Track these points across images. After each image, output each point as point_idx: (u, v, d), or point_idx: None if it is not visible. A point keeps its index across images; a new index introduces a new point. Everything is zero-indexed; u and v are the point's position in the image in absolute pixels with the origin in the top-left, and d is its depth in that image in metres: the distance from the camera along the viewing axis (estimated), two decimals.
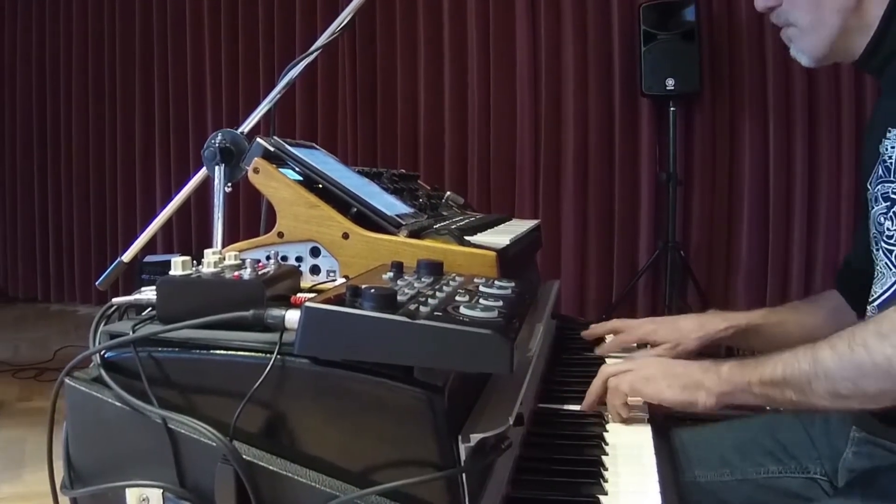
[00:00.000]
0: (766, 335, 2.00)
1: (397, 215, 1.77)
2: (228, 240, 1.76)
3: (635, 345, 2.14)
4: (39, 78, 8.26)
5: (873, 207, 1.70)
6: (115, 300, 1.44)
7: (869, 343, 1.34)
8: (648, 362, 1.69)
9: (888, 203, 1.61)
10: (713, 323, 2.02)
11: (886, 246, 1.58)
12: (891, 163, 1.59)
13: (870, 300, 1.64)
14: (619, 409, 1.65)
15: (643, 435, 1.59)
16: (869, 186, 1.73)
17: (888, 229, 1.56)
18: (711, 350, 2.03)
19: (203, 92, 7.56)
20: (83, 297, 8.18)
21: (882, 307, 1.58)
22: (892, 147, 1.59)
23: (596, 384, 1.71)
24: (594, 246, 6.30)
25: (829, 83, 5.72)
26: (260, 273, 1.33)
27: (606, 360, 2.10)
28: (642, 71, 5.73)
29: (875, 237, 1.69)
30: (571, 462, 1.46)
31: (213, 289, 1.29)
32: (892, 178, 1.59)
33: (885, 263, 1.58)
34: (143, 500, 1.23)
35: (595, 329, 2.21)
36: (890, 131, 1.60)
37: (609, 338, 2.20)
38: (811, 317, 2.02)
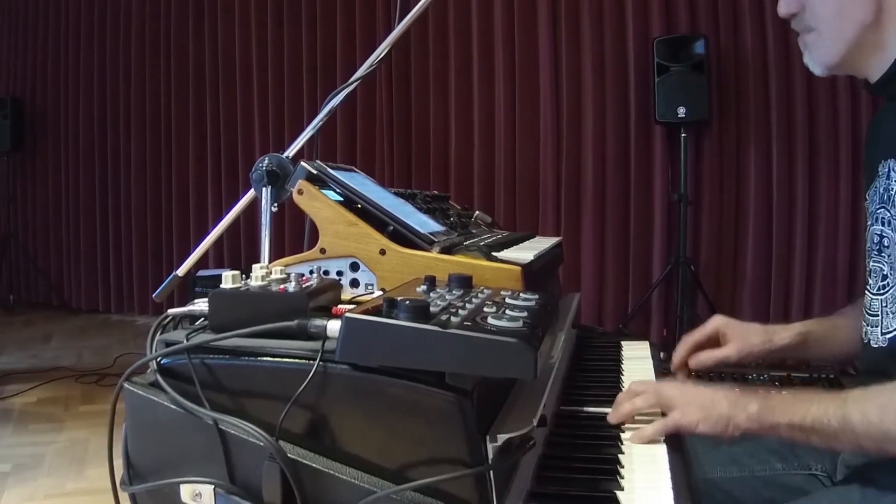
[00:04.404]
0: (823, 341, 1.95)
1: (430, 233, 1.76)
2: (275, 255, 1.76)
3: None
4: (101, 105, 8.36)
5: (869, 221, 1.69)
6: (171, 311, 1.45)
7: None
8: (678, 391, 1.62)
9: (886, 239, 1.60)
10: (779, 335, 1.94)
11: None
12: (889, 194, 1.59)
13: (882, 332, 1.62)
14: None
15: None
16: (867, 197, 1.72)
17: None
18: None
19: (251, 119, 7.61)
20: (141, 308, 8.24)
21: (894, 340, 1.57)
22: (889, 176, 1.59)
23: (630, 404, 1.68)
24: (611, 261, 6.29)
25: (828, 111, 5.72)
26: (303, 286, 1.33)
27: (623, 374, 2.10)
28: (655, 100, 5.75)
29: (867, 251, 1.69)
30: (590, 460, 1.45)
31: (261, 300, 1.29)
32: (888, 208, 1.59)
33: None
34: (196, 495, 1.23)
35: (676, 361, 2.04)
36: (891, 162, 1.59)
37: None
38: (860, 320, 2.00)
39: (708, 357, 1.95)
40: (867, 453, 1.50)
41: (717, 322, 2.00)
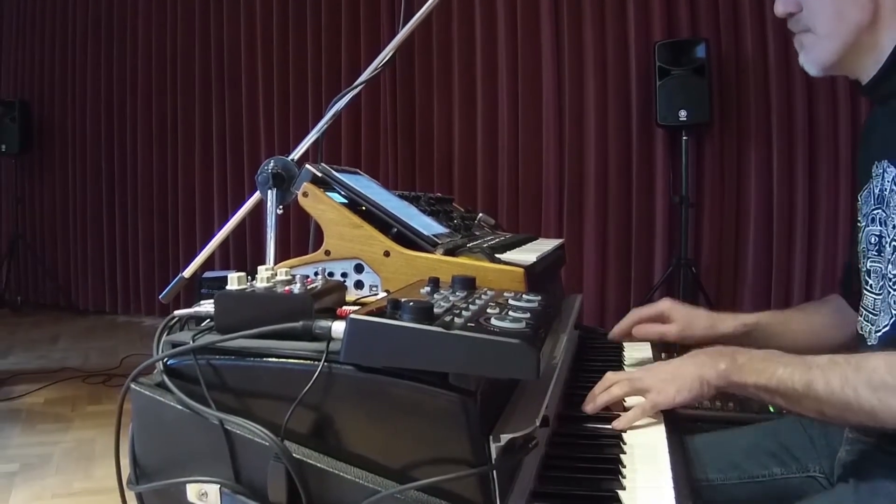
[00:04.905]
0: (773, 335, 1.99)
1: (434, 235, 1.76)
2: (280, 257, 1.76)
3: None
4: (108, 108, 8.38)
5: (863, 221, 1.70)
6: (177, 312, 1.45)
7: (859, 391, 1.37)
8: (649, 373, 1.69)
9: (880, 239, 1.61)
10: (724, 323, 2.02)
11: (890, 287, 1.57)
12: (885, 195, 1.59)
13: (876, 329, 1.63)
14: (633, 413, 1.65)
15: (658, 436, 1.58)
16: (859, 198, 1.73)
17: (892, 273, 1.56)
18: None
19: (257, 122, 7.63)
20: (147, 309, 8.25)
21: (882, 339, 1.58)
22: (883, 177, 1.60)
23: (606, 394, 1.70)
24: (613, 262, 6.30)
25: (828, 114, 5.72)
26: (308, 288, 1.33)
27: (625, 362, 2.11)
28: (657, 103, 5.76)
29: (863, 251, 1.69)
30: (592, 460, 1.45)
31: (266, 302, 1.29)
32: (883, 209, 1.59)
33: (889, 304, 1.57)
34: (202, 494, 1.23)
35: (619, 327, 2.17)
36: (885, 163, 1.60)
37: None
38: (817, 316, 2.02)
39: (650, 329, 2.07)
40: (827, 421, 1.54)
41: (664, 305, 2.09)
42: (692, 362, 1.61)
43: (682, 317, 2.04)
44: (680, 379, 1.60)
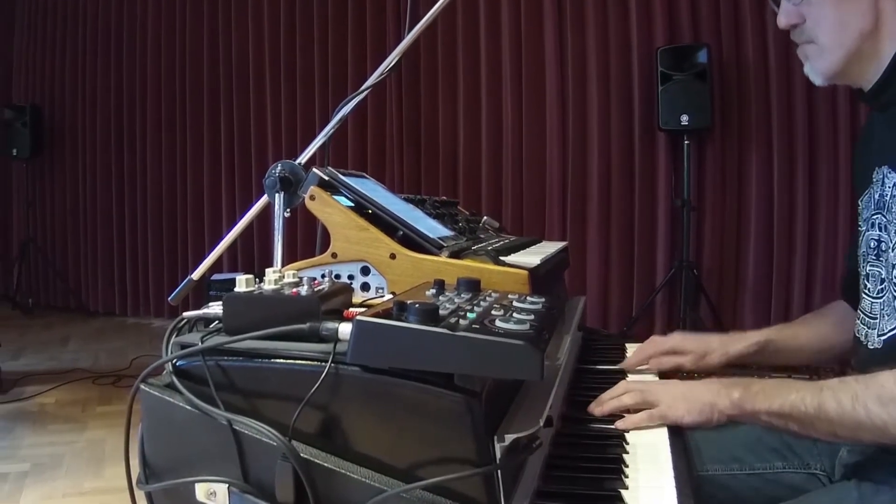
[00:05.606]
0: (783, 350, 2.01)
1: (439, 238, 1.76)
2: (287, 260, 1.76)
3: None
4: (117, 112, 8.38)
5: (863, 226, 1.70)
6: (186, 314, 1.45)
7: (869, 407, 1.38)
8: (662, 388, 1.69)
9: (883, 244, 1.61)
10: (735, 344, 2.01)
11: (894, 291, 1.57)
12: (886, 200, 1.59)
13: (879, 333, 1.63)
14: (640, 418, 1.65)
15: (660, 435, 1.58)
16: (859, 203, 1.73)
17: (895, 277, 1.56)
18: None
19: (264, 126, 7.63)
20: (157, 311, 8.25)
21: (889, 342, 1.58)
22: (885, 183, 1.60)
23: (616, 401, 1.70)
24: (616, 265, 6.30)
25: (828, 118, 5.72)
26: (316, 290, 1.33)
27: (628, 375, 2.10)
28: (659, 108, 5.76)
29: (863, 255, 1.69)
30: (595, 459, 1.45)
31: (274, 304, 1.29)
32: (884, 214, 1.59)
33: (894, 308, 1.57)
34: (211, 493, 1.23)
35: (632, 360, 2.16)
36: (885, 169, 1.60)
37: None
38: (822, 326, 2.02)
39: (666, 360, 2.06)
40: (840, 441, 1.58)
41: (676, 339, 2.09)
42: (706, 389, 1.61)
43: (694, 348, 2.04)
44: (692, 401, 1.60)
